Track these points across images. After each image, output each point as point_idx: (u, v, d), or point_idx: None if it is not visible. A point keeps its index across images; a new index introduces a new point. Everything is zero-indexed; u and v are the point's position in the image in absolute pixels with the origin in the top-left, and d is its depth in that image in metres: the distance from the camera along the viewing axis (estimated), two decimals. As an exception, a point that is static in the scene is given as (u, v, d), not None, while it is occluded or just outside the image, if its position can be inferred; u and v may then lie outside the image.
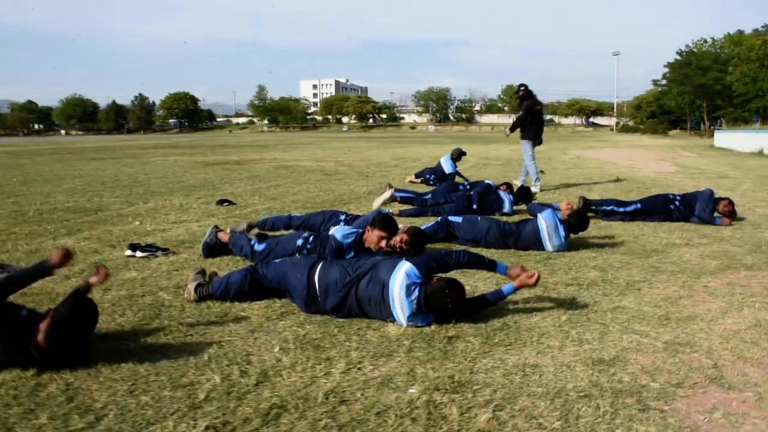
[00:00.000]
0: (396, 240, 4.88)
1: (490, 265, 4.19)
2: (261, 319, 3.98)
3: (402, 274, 3.85)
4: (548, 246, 6.12)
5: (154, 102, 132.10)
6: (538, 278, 4.02)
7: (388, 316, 3.87)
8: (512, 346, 3.53)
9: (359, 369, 3.19)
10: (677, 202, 8.05)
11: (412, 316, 3.79)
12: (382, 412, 2.74)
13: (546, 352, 3.44)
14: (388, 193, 8.56)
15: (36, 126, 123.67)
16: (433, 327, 3.80)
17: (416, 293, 3.77)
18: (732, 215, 7.88)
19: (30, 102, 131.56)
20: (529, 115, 11.70)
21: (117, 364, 3.20)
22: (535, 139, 11.76)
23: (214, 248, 5.79)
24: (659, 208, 8.03)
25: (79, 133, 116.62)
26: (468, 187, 9.78)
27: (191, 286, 4.39)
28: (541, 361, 3.30)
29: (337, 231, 5.09)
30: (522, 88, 12.01)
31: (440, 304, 3.78)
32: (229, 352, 3.41)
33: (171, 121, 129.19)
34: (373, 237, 4.88)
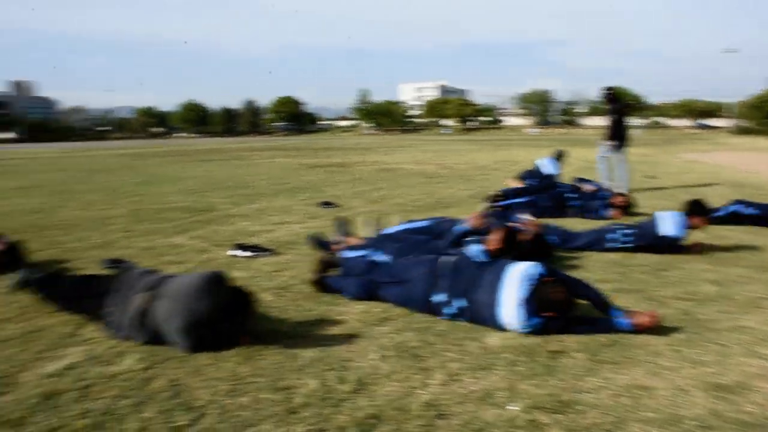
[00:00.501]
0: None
1: (604, 307, 3.89)
2: (359, 324, 3.96)
3: (523, 266, 3.85)
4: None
5: (261, 106, 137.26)
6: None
7: (494, 306, 3.79)
8: (621, 364, 3.31)
9: (458, 381, 3.10)
10: None
11: (518, 311, 3.68)
12: (481, 429, 2.63)
13: (658, 373, 3.21)
14: None
15: (156, 129, 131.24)
16: (535, 339, 3.64)
17: (529, 288, 3.71)
18: None
19: (152, 107, 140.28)
20: (620, 118, 11.24)
21: (219, 363, 3.27)
22: (621, 143, 11.24)
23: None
24: None
25: (193, 135, 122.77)
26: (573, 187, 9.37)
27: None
28: (653, 384, 3.07)
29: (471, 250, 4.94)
30: (609, 92, 11.49)
31: (551, 307, 3.64)
32: (326, 356, 3.41)
33: (278, 124, 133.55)
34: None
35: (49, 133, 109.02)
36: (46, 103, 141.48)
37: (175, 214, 8.78)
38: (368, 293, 4.43)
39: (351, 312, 4.21)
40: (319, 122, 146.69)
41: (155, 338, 3.46)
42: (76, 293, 4.01)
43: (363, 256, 4.93)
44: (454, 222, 5.82)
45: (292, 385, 3.04)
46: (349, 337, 3.72)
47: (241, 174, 16.61)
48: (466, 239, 4.90)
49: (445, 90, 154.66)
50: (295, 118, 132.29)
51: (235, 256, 5.94)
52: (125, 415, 2.71)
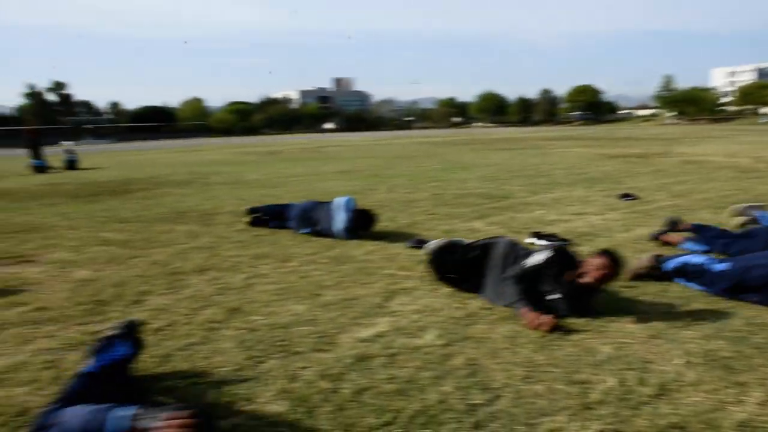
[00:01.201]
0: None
1: None
2: (663, 325, 3.66)
3: None
4: None
5: (558, 95, 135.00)
6: None
7: None
8: None
9: (784, 402, 2.70)
10: None
11: None
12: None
13: None
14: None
15: (455, 119, 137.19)
16: None
17: None
18: None
19: (452, 98, 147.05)
20: None
21: (515, 348, 3.31)
22: None
23: None
24: None
25: (490, 125, 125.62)
26: None
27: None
28: None
29: None
30: None
31: None
32: (625, 355, 3.22)
33: (574, 113, 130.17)
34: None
35: (363, 123, 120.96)
36: (362, 97, 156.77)
37: (474, 200, 9.08)
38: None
39: (655, 311, 3.93)
40: (617, 111, 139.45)
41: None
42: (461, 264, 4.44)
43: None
44: None
45: (589, 380, 2.94)
46: (651, 338, 3.47)
47: (537, 163, 16.54)
48: None
49: (763, 73, 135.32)
50: (592, 107, 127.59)
51: (532, 244, 5.93)
52: (426, 386, 2.88)
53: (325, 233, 6.49)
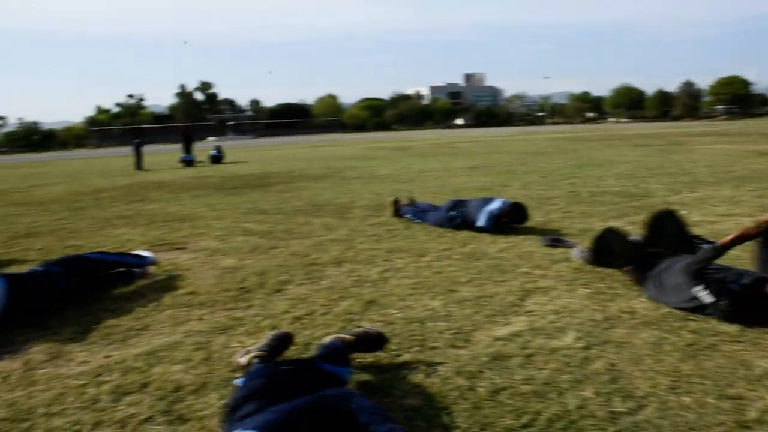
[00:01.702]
0: None
1: None
2: (831, 341, 3.35)
3: None
4: None
5: (701, 88, 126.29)
6: None
7: None
8: None
9: None
10: None
11: None
12: None
13: None
14: None
15: (589, 114, 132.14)
16: None
17: None
18: None
19: (585, 93, 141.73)
20: None
21: (659, 356, 3.15)
22: None
23: None
24: None
25: (625, 120, 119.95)
26: None
27: None
28: None
29: None
30: None
31: None
32: (787, 371, 2.98)
33: (718, 107, 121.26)
34: None
35: (493, 119, 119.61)
36: (493, 92, 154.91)
37: (611, 198, 8.71)
38: None
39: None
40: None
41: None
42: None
43: None
44: None
45: (744, 395, 2.74)
46: (817, 354, 3.18)
47: (678, 160, 15.58)
48: None
49: None
50: (739, 100, 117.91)
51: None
52: (565, 390, 2.81)
53: (470, 223, 6.54)
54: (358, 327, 3.39)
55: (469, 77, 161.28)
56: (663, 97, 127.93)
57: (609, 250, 4.69)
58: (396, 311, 3.98)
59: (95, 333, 3.85)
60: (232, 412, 2.36)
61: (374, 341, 3.24)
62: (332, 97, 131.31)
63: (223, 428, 2.42)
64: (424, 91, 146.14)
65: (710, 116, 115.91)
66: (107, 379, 3.14)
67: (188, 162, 23.01)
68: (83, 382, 3.12)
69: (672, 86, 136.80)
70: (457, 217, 6.68)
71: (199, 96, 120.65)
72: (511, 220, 6.49)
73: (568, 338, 3.41)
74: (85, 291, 4.63)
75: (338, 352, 2.93)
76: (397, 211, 7.51)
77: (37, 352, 3.58)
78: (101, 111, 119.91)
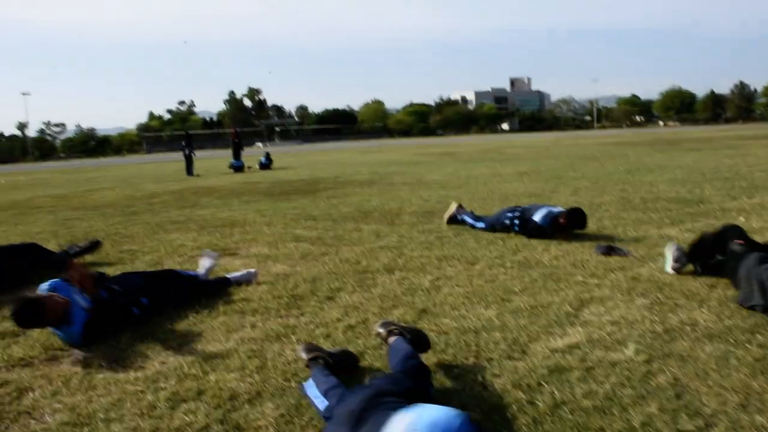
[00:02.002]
0: None
1: None
2: None
3: None
4: None
5: (755, 89, 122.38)
6: None
7: None
8: None
9: None
10: None
11: None
12: None
13: None
14: None
15: (637, 118, 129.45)
16: None
17: None
18: None
19: (634, 96, 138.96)
20: None
21: (726, 371, 3.02)
22: None
23: None
24: None
25: (676, 123, 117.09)
26: None
27: None
28: None
29: None
30: None
31: None
32: None
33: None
34: None
35: (539, 124, 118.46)
36: (539, 96, 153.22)
37: (665, 205, 8.48)
38: None
39: None
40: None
41: None
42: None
43: None
44: None
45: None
46: None
47: (732, 164, 15.10)
48: None
49: None
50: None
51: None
52: (628, 406, 2.71)
53: (527, 221, 6.57)
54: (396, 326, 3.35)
55: (514, 82, 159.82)
56: (715, 99, 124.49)
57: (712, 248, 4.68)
58: (449, 320, 3.93)
59: (150, 339, 3.91)
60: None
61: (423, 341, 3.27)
62: (378, 103, 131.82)
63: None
64: (470, 95, 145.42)
65: (765, 119, 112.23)
66: (164, 385, 3.17)
67: (238, 168, 23.37)
68: (141, 388, 3.16)
69: (724, 88, 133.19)
70: (516, 216, 6.70)
71: (247, 102, 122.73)
72: (569, 224, 6.41)
73: (629, 351, 3.30)
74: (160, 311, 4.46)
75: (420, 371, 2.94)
76: (454, 217, 7.47)
77: (95, 356, 3.66)
78: (153, 117, 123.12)
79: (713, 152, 20.55)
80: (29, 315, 3.77)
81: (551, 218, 6.40)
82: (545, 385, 2.94)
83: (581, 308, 4.07)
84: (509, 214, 6.79)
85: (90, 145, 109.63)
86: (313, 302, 4.52)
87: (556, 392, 2.86)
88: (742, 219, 7.19)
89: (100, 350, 3.75)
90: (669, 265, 4.84)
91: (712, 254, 4.64)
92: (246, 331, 3.94)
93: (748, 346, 3.32)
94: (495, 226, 6.86)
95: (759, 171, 13.16)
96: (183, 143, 23.72)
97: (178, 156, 28.44)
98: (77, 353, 3.72)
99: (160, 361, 3.52)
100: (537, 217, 6.45)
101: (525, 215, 6.62)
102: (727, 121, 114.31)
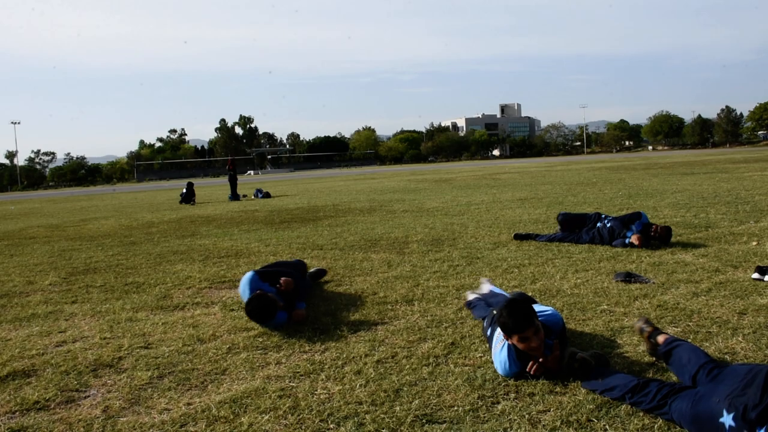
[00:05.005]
0: None
1: None
2: None
3: None
4: None
5: (741, 114, 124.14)
6: None
7: None
8: None
9: None
10: None
11: None
12: None
13: None
14: None
15: (626, 143, 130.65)
16: None
17: None
18: None
19: (622, 121, 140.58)
20: None
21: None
22: None
23: None
24: None
25: (665, 147, 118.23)
26: None
27: None
28: None
29: None
30: None
31: None
32: None
33: (760, 132, 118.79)
34: None
35: (529, 149, 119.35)
36: (528, 122, 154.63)
37: (673, 230, 8.40)
38: None
39: None
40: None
41: None
42: None
43: None
44: None
45: None
46: None
47: (731, 188, 15.13)
48: None
49: None
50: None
51: (761, 279, 5.34)
52: (685, 442, 2.60)
53: (616, 233, 7.43)
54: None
55: (504, 108, 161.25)
56: (702, 124, 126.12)
57: None
58: (482, 354, 3.80)
59: (171, 376, 3.74)
60: None
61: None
62: (369, 130, 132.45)
63: None
64: (460, 122, 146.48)
65: (751, 142, 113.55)
66: (192, 429, 2.99)
67: (234, 196, 23.20)
68: (168, 432, 2.99)
69: (711, 113, 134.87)
70: (605, 224, 7.60)
71: (238, 130, 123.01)
72: (659, 237, 7.13)
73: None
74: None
75: None
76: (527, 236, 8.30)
77: (114, 397, 3.47)
78: (144, 145, 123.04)
79: (708, 176, 20.62)
80: (265, 309, 4.61)
81: (644, 224, 7.30)
82: (596, 421, 2.81)
83: (614, 338, 3.96)
84: (600, 223, 7.73)
85: (80, 174, 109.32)
86: (336, 335, 4.38)
87: (609, 428, 2.73)
88: (754, 243, 7.13)
89: (117, 389, 3.58)
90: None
91: None
92: (271, 368, 3.78)
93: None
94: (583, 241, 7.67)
95: (759, 194, 13.16)
96: (187, 184, 23.23)
97: (169, 184, 28.25)
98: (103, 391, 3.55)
99: (185, 402, 3.33)
100: (634, 228, 7.33)
101: (614, 228, 7.46)
102: (715, 145, 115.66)
